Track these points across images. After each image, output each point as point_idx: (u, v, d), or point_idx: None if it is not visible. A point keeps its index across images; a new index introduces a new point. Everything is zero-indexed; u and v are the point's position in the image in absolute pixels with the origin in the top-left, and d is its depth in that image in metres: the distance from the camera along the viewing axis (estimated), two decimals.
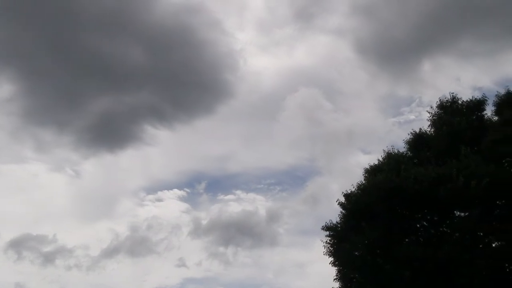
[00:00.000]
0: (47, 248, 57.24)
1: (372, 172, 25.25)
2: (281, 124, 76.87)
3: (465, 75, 70.59)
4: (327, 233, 24.95)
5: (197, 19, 72.72)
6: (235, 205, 71.52)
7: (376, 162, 25.91)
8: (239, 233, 63.88)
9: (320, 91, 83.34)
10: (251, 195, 74.66)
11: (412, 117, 69.32)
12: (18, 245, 55.18)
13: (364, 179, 25.38)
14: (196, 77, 70.76)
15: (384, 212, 22.68)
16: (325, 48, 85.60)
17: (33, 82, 64.91)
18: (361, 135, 76.67)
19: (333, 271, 24.79)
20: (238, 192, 73.80)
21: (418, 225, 23.68)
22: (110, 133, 68.16)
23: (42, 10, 59.19)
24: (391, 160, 24.60)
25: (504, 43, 63.17)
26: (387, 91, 78.45)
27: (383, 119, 77.08)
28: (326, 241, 24.87)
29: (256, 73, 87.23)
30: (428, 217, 23.49)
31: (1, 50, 61.87)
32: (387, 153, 25.84)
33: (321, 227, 25.01)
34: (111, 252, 59.60)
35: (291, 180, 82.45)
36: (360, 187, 24.72)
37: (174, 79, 70.72)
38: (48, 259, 56.23)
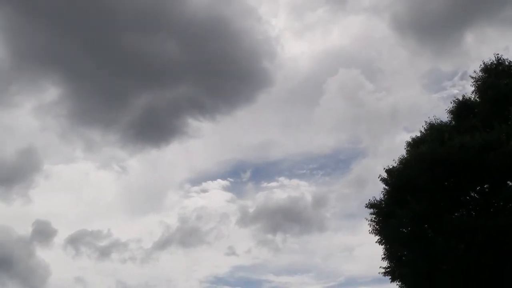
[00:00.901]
0: (102, 243, 59.19)
1: (414, 145, 24.09)
2: (322, 108, 75.78)
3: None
4: (372, 210, 24.09)
5: (230, 9, 72.27)
6: (280, 192, 71.58)
7: (419, 135, 24.76)
8: (286, 219, 63.87)
9: (360, 71, 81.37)
10: (295, 181, 74.40)
11: (455, 91, 66.25)
12: (75, 241, 57.33)
13: (407, 153, 24.29)
14: (235, 67, 70.71)
15: (430, 185, 21.59)
16: (360, 27, 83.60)
17: (78, 84, 66.88)
18: (405, 114, 74.25)
19: (380, 252, 24.01)
20: (281, 178, 73.71)
21: (467, 197, 22.40)
22: (153, 129, 69.43)
23: (80, 13, 60.62)
24: (434, 131, 23.37)
25: None
26: (429, 67, 75.70)
27: (427, 96, 74.40)
28: (371, 219, 23.99)
29: (294, 59, 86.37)
30: (478, 188, 22.18)
31: (46, 55, 64.03)
32: (429, 124, 24.58)
33: (365, 205, 24.18)
34: (163, 244, 61.20)
35: (333, 164, 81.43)
36: (403, 162, 23.65)
37: (212, 70, 70.85)
38: (104, 253, 58.24)
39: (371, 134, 72.70)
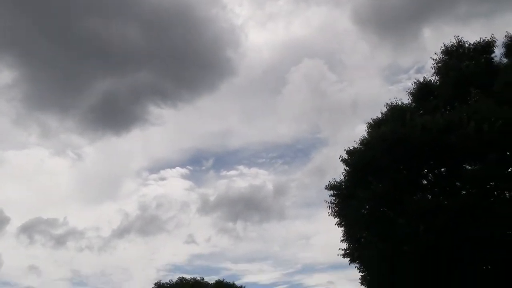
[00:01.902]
0: (58, 231, 57.02)
1: (375, 126, 23.67)
2: (285, 97, 75.94)
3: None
4: (331, 192, 23.49)
5: None
6: (240, 180, 71.23)
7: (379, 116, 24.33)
8: (246, 208, 63.57)
9: (323, 62, 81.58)
10: (254, 170, 74.71)
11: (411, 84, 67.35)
12: (29, 229, 54.83)
13: (368, 134, 23.82)
14: (198, 55, 69.69)
15: (391, 165, 21.16)
16: (322, 19, 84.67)
17: (34, 67, 63.84)
18: (365, 105, 75.61)
19: (337, 239, 23.45)
20: (241, 167, 73.56)
21: (428, 178, 22.15)
22: (114, 115, 67.55)
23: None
24: (395, 111, 23.01)
25: (503, 3, 61.16)
26: (389, 61, 77.03)
27: (386, 88, 75.61)
28: (331, 201, 23.42)
29: (257, 48, 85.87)
30: (438, 169, 21.96)
31: (3, 36, 60.34)
32: (390, 105, 24.21)
33: (325, 186, 23.54)
34: (121, 232, 59.73)
35: (293, 153, 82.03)
36: (363, 142, 23.17)
37: (175, 58, 69.52)
38: (60, 241, 56.15)
39: (331, 124, 73.46)
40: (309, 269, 67.58)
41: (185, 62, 71.32)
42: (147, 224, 62.31)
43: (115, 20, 64.14)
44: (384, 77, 79.39)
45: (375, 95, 74.60)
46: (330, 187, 23.44)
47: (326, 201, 23.51)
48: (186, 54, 69.82)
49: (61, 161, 69.47)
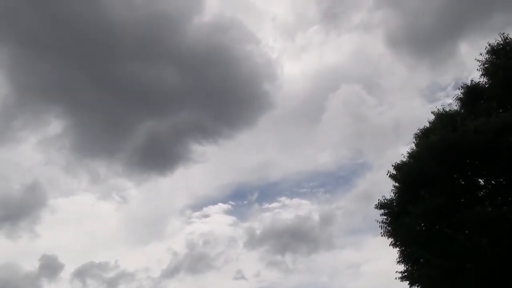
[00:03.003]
0: (109, 274, 57.22)
1: (423, 136, 22.12)
2: (324, 125, 74.84)
3: None
4: (382, 211, 21.92)
5: (229, 35, 72.16)
6: (285, 212, 70.45)
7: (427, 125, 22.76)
8: (293, 239, 62.11)
9: (361, 86, 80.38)
10: (296, 201, 73.38)
11: (450, 100, 65.09)
12: (82, 274, 55.43)
13: (415, 146, 22.29)
14: (236, 91, 70.39)
15: (443, 176, 19.52)
16: (354, 45, 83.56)
17: (80, 115, 66.39)
18: (407, 126, 72.83)
19: (388, 265, 21.76)
20: (283, 199, 72.60)
21: (486, 185, 20.23)
22: (157, 156, 68.52)
23: (80, 46, 60.71)
24: (444, 118, 21.42)
25: None
26: (427, 80, 74.83)
27: (428, 107, 73.11)
28: (382, 221, 21.81)
29: (293, 79, 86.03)
30: (496, 175, 20.02)
31: (48, 89, 63.93)
32: (438, 113, 22.61)
33: (374, 205, 22.03)
34: (171, 272, 59.37)
35: (334, 180, 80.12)
36: (412, 155, 21.66)
37: (214, 96, 70.47)
38: (111, 284, 56.24)
39: (374, 148, 71.25)
40: None
41: (224, 99, 72.40)
42: (195, 262, 61.99)
43: (153, 64, 66.34)
44: (424, 96, 76.91)
45: (416, 115, 71.97)
46: (380, 205, 21.90)
47: (378, 221, 21.97)
48: (225, 91, 70.86)
49: (107, 205, 71.20)
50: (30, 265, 61.89)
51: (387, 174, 22.03)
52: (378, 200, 21.99)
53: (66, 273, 58.50)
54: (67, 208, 67.46)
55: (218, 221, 71.77)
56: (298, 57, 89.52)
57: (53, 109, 67.06)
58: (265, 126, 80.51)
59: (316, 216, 68.92)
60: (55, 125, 67.93)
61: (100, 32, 61.29)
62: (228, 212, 72.31)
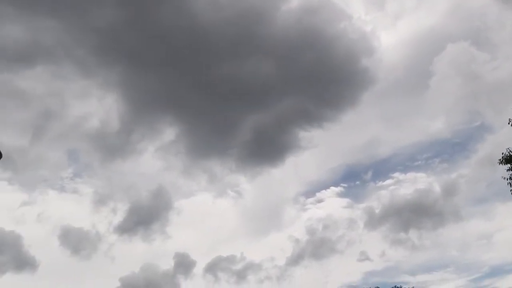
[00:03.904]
0: (237, 267, 59.86)
1: None
2: (433, 91, 70.26)
3: None
4: (509, 166, 19.85)
5: (320, 17, 71.10)
6: (401, 188, 67.54)
7: None
8: (416, 215, 59.40)
9: (469, 43, 73.63)
10: (411, 175, 69.72)
11: None
12: (212, 268, 58.72)
13: None
14: (335, 72, 69.22)
15: None
16: (453, 1, 76.89)
17: (190, 120, 70.58)
18: None
19: None
20: (396, 174, 69.47)
21: None
22: (266, 148, 70.17)
23: (178, 55, 64.75)
24: None
25: None
26: None
27: None
28: (510, 177, 19.76)
29: (393, 50, 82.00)
30: None
31: (158, 100, 68.92)
32: None
33: (498, 160, 20.00)
34: (296, 259, 60.39)
35: (450, 149, 74.46)
36: None
37: (313, 80, 70.20)
38: (241, 276, 58.81)
39: (492, 107, 64.81)
40: (499, 271, 58.62)
41: (323, 81, 71.27)
42: (318, 247, 62.13)
43: (248, 59, 67.71)
44: None
45: None
46: (506, 160, 19.87)
47: (504, 178, 19.96)
48: (323, 73, 69.74)
49: (225, 201, 74.40)
50: (166, 264, 66.71)
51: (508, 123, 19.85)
52: (502, 154, 19.98)
53: (198, 269, 62.37)
54: (190, 209, 71.83)
55: (332, 204, 71.33)
56: (394, 25, 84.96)
57: (165, 118, 71.69)
58: (369, 103, 77.90)
59: (436, 188, 64.99)
60: (169, 133, 72.53)
61: (194, 38, 64.26)
62: (341, 195, 71.44)
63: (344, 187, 71.32)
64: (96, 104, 72.41)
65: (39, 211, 64.00)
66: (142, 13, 63.73)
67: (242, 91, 68.81)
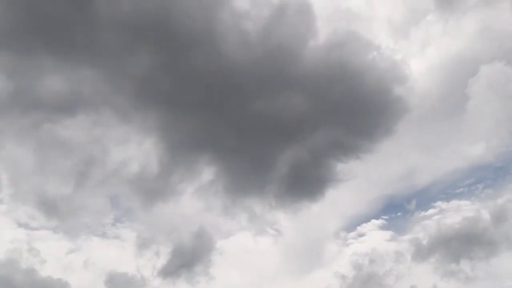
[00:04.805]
0: None
1: None
2: (470, 115, 69.44)
3: None
4: None
5: (346, 50, 72.09)
6: (445, 217, 66.24)
7: None
8: (466, 244, 57.80)
9: (503, 63, 73.14)
10: (454, 203, 68.32)
11: None
12: None
13: None
14: (367, 103, 69.36)
15: None
16: (481, 23, 77.11)
17: (226, 159, 71.09)
18: None
19: None
20: (438, 203, 68.28)
21: None
22: (303, 183, 69.87)
23: (210, 96, 66.25)
24: None
25: None
26: None
27: None
28: None
29: (424, 76, 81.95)
30: None
31: (193, 141, 69.93)
32: None
33: None
34: None
35: (493, 173, 72.77)
36: None
37: (346, 112, 70.41)
38: None
39: None
40: None
41: (356, 113, 71.28)
42: (365, 283, 60.64)
43: (279, 95, 68.58)
44: None
45: None
46: None
47: None
48: (355, 105, 69.90)
49: (264, 240, 73.83)
50: None
51: None
52: None
53: None
54: (231, 248, 71.48)
55: (375, 238, 70.18)
56: (422, 52, 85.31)
57: (202, 158, 72.30)
58: (405, 131, 77.31)
59: (485, 215, 63.36)
60: (207, 173, 72.89)
61: (226, 78, 65.63)
62: (383, 227, 70.40)
63: (385, 219, 70.43)
64: (135, 148, 73.86)
65: (84, 258, 64.94)
66: (175, 58, 65.68)
67: (276, 127, 69.42)
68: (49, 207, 62.24)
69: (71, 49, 62.82)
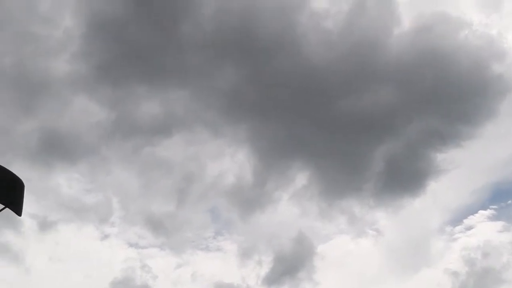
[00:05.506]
0: None
1: None
2: None
3: None
4: None
5: (434, 33, 68.11)
6: None
7: None
8: None
9: None
10: None
11: None
12: None
13: None
14: (463, 85, 64.97)
15: None
16: None
17: (318, 162, 70.37)
18: None
19: None
20: None
21: None
22: (402, 178, 67.06)
23: (296, 99, 66.15)
24: None
25: None
26: None
27: None
28: None
29: None
30: None
31: (283, 147, 70.31)
32: None
33: None
34: None
35: None
36: None
37: (440, 98, 66.55)
38: None
39: None
40: None
41: (451, 98, 66.81)
42: (481, 278, 56.32)
43: (365, 89, 66.36)
44: None
45: None
46: None
47: None
48: (450, 89, 65.49)
49: (364, 241, 71.62)
50: None
51: None
52: None
53: None
54: (332, 252, 70.48)
55: (485, 230, 65.45)
56: None
57: (294, 164, 72.14)
58: (509, 112, 71.31)
59: None
60: (301, 178, 72.53)
61: (311, 80, 64.85)
62: (492, 218, 65.35)
63: (494, 208, 65.38)
64: (229, 161, 75.56)
65: (191, 271, 66.80)
66: (259, 67, 66.34)
67: (366, 123, 67.22)
68: (155, 225, 65.38)
69: (161, 73, 66.17)
